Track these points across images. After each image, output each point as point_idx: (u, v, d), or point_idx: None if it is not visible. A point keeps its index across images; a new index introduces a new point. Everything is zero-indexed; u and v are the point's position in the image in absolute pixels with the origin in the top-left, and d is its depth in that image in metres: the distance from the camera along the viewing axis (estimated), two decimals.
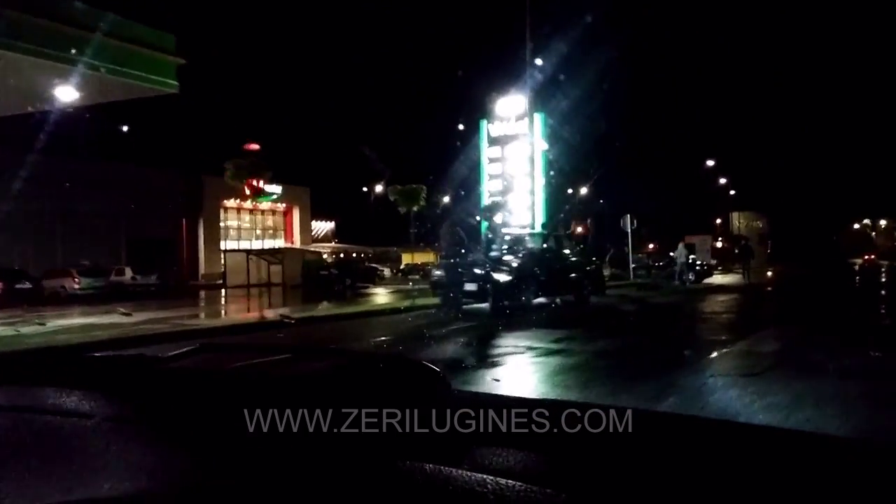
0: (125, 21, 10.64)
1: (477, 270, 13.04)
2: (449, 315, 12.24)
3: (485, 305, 12.70)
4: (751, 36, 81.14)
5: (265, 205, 46.14)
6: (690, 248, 33.28)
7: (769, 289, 23.51)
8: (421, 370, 1.25)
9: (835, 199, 61.35)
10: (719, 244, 53.70)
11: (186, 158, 37.71)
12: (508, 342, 8.49)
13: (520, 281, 13.09)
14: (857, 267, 48.33)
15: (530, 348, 7.72)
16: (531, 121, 23.50)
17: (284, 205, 47.19)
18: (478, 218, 16.48)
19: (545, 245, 15.57)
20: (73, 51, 9.88)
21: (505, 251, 14.29)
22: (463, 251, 13.61)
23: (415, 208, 36.36)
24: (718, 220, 61.12)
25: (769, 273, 41.72)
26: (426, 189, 37.52)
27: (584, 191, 47.35)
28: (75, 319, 12.27)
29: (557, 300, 14.49)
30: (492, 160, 24.31)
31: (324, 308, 14.72)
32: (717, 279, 29.57)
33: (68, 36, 9.98)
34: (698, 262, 29.26)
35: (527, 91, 22.96)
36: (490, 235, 14.55)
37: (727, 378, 5.83)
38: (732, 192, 49.92)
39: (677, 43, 67.55)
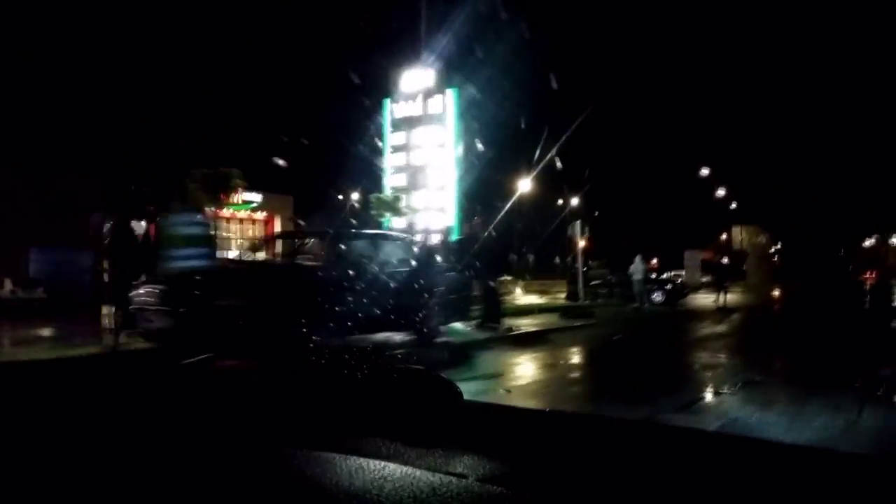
0: None
1: (171, 295, 8.10)
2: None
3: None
4: (759, 42, 78.44)
5: (243, 213, 45.03)
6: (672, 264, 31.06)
7: (742, 317, 20.05)
8: (437, 382, 1.31)
9: (846, 215, 58.68)
10: (726, 260, 51.31)
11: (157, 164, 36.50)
12: None
13: (269, 311, 8.13)
14: (867, 286, 45.65)
15: None
16: (432, 96, 19.67)
17: (265, 214, 46.01)
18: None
19: (342, 255, 10.11)
20: None
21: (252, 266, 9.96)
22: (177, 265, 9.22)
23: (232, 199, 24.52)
24: (724, 236, 58.88)
25: (774, 292, 39.37)
26: (238, 173, 24.56)
27: (575, 201, 45.47)
28: None
29: (398, 337, 10.41)
30: (396, 149, 20.88)
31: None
32: (699, 299, 27.36)
33: None
34: (678, 280, 27.10)
35: (432, 57, 19.41)
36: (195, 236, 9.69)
37: None
38: (733, 206, 47.72)
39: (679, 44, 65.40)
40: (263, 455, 0.93)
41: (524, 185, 32.16)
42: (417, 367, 1.46)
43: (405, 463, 0.86)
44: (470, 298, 12.31)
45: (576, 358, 10.81)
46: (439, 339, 10.77)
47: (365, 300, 8.99)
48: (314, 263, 10.20)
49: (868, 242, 60.60)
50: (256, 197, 44.31)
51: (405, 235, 13.10)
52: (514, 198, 31.93)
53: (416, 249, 11.68)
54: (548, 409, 4.78)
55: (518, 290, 28.67)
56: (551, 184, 42.17)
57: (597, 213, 47.61)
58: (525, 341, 11.99)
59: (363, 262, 10.11)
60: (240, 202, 43.90)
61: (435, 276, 10.89)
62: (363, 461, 0.88)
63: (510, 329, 13.09)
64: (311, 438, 0.96)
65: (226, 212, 43.32)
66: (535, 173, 30.89)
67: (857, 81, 73.09)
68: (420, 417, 1.04)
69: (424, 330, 10.41)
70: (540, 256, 45.35)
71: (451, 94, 20.03)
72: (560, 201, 45.39)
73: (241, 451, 0.96)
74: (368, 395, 1.21)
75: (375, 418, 1.01)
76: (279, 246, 12.11)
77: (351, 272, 9.56)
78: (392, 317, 9.49)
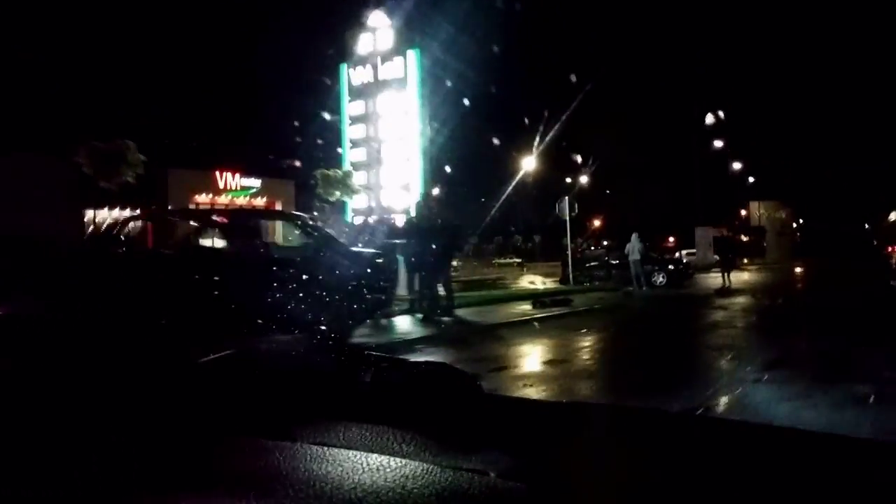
0: None
1: None
2: None
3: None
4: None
5: (242, 199, 44.07)
6: (685, 243, 29.35)
7: (747, 302, 16.62)
8: (456, 375, 1.32)
9: (869, 188, 56.27)
10: (745, 238, 49.25)
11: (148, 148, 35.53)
12: None
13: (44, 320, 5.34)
14: (893, 261, 43.37)
15: None
16: (391, 59, 17.61)
17: (265, 200, 45.05)
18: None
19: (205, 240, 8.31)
20: None
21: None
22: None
23: (129, 178, 19.57)
24: (744, 212, 56.81)
25: (797, 268, 37.42)
26: (135, 147, 19.64)
27: (584, 179, 43.80)
28: None
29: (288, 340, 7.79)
30: (354, 120, 18.95)
31: None
32: (709, 279, 25.61)
33: None
34: (684, 259, 25.45)
35: (391, 15, 17.02)
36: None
37: None
38: (752, 180, 45.72)
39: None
40: (286, 453, 0.92)
41: (527, 163, 30.64)
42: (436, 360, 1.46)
43: (426, 460, 0.87)
44: (385, 289, 9.78)
45: (513, 365, 8.16)
46: (349, 340, 8.46)
47: (227, 297, 6.95)
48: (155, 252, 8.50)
49: (893, 216, 58.09)
50: (255, 182, 43.30)
51: (304, 215, 10.96)
52: (514, 179, 30.46)
53: (329, 231, 9.77)
54: (565, 401, 4.60)
55: (522, 274, 27.54)
56: (559, 163, 40.59)
57: (608, 192, 45.93)
58: (465, 340, 9.71)
59: (232, 247, 8.21)
60: (237, 188, 42.93)
61: (341, 264, 8.71)
62: (385, 459, 0.88)
63: (459, 322, 11.13)
64: (331, 435, 0.97)
65: (225, 198, 42.44)
66: (539, 151, 29.31)
67: (878, 52, 70.15)
68: (440, 412, 1.04)
69: (339, 326, 8.32)
70: (546, 239, 43.82)
71: (413, 55, 17.93)
72: (569, 180, 43.80)
73: (261, 448, 0.94)
74: (389, 391, 1.21)
75: (396, 413, 1.01)
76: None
77: (212, 261, 7.64)
78: (272, 316, 7.07)
